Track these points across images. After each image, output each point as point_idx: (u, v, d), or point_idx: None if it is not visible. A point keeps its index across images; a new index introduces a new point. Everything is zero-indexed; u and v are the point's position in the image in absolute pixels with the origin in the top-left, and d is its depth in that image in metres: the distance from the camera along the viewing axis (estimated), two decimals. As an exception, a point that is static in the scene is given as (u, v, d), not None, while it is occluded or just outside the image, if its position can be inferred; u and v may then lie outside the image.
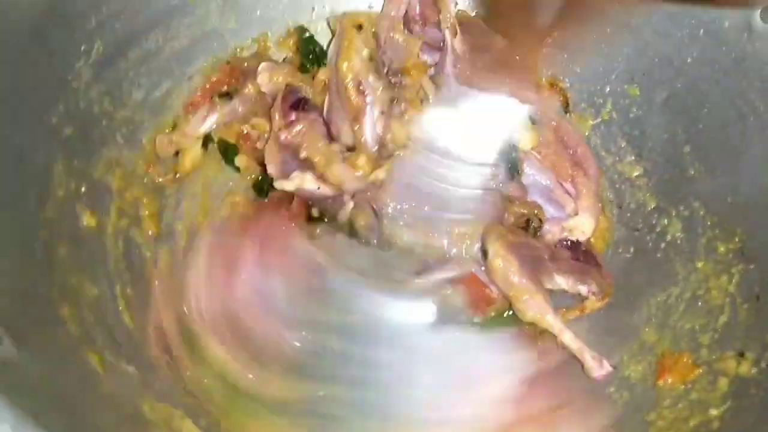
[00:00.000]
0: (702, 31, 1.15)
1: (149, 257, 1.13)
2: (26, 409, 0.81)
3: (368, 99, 1.08)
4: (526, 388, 1.04)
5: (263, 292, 1.08)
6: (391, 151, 1.09)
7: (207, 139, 1.21)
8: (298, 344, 1.06)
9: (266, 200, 1.19)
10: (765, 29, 1.09)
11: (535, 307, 1.07)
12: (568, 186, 1.17)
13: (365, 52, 1.09)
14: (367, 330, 1.07)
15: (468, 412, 1.02)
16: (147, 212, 1.15)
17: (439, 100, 1.15)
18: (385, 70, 1.13)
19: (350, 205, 1.09)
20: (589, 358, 1.07)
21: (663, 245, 1.17)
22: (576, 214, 1.17)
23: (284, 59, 1.25)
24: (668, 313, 1.12)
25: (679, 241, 1.15)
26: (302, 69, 1.20)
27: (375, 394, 1.03)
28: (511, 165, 1.15)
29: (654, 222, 1.19)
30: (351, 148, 1.11)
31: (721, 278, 1.09)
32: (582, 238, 1.16)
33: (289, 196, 1.14)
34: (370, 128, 1.08)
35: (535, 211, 1.15)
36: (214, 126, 1.20)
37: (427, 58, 1.20)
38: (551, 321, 1.08)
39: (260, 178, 1.17)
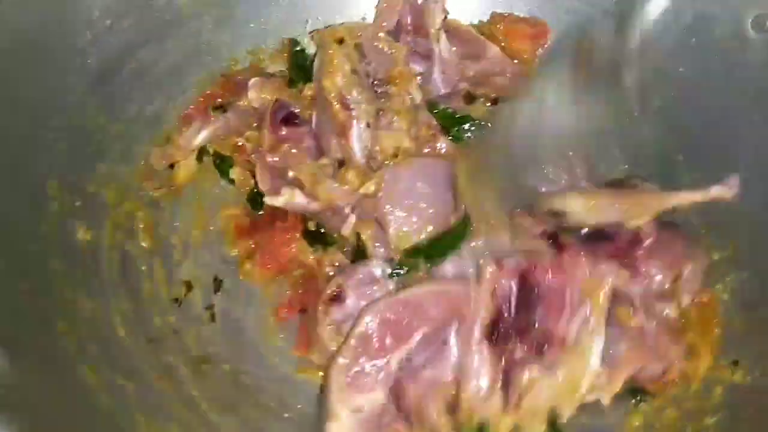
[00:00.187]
0: (694, 40, 1.15)
1: (144, 270, 1.13)
2: (21, 425, 0.82)
3: (353, 113, 1.08)
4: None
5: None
6: (380, 163, 1.09)
7: (202, 152, 1.21)
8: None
9: (261, 213, 1.19)
10: (756, 38, 1.10)
11: (649, 201, 1.06)
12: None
13: (347, 67, 1.08)
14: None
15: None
16: (142, 225, 1.15)
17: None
18: (371, 81, 1.13)
19: (352, 218, 1.09)
20: (716, 189, 1.05)
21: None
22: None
23: (278, 73, 1.25)
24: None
25: (673, 250, 1.15)
26: (291, 83, 1.20)
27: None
28: None
29: (648, 230, 1.18)
30: (342, 162, 1.11)
31: (716, 286, 1.09)
32: None
33: (285, 210, 1.14)
34: (357, 141, 1.08)
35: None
36: (209, 139, 1.20)
37: (417, 67, 1.20)
38: (669, 198, 1.07)
39: (255, 190, 1.17)
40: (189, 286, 1.15)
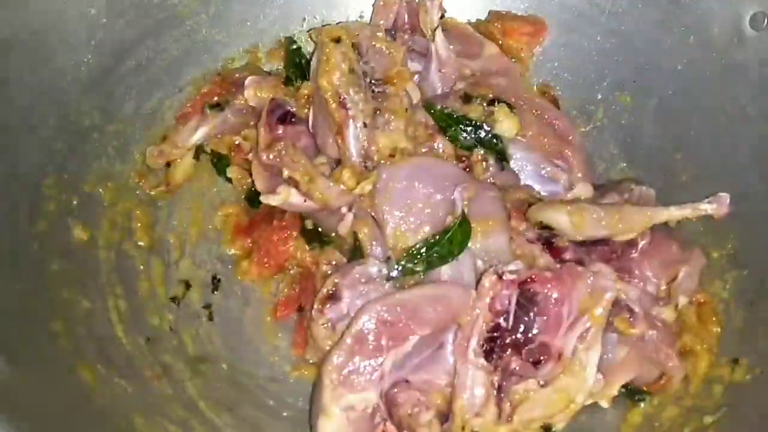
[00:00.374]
0: (692, 38, 1.15)
1: (142, 269, 1.12)
2: (19, 425, 0.81)
3: (350, 112, 1.07)
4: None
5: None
6: (377, 163, 1.09)
7: (199, 150, 1.20)
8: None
9: (259, 210, 1.19)
10: (754, 36, 1.10)
11: (638, 217, 1.05)
12: (558, 162, 1.15)
13: (344, 66, 1.07)
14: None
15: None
16: (139, 224, 1.15)
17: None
18: (368, 81, 1.12)
19: (350, 217, 1.08)
20: (705, 207, 1.05)
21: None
22: (572, 186, 1.14)
23: (275, 71, 1.25)
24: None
25: (672, 248, 1.15)
26: (288, 82, 1.20)
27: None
28: (499, 155, 1.14)
29: (647, 228, 1.18)
30: (338, 161, 1.11)
31: (715, 284, 1.09)
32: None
33: (282, 209, 1.13)
34: (353, 141, 1.08)
35: (532, 194, 1.13)
36: (205, 137, 1.19)
37: (414, 65, 1.20)
38: (657, 215, 1.05)
39: (252, 189, 1.17)
40: (187, 285, 1.15)
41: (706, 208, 1.05)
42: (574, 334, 0.98)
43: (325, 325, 1.03)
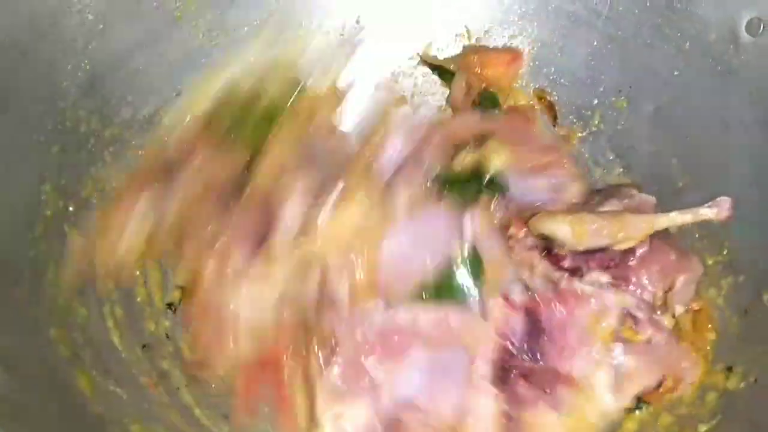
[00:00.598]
0: (688, 43, 1.15)
1: (138, 275, 1.12)
2: (13, 432, 0.82)
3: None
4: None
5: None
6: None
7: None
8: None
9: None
10: (751, 42, 1.10)
11: (639, 224, 1.04)
12: (549, 173, 1.14)
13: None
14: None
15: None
16: (135, 231, 1.14)
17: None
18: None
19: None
20: (706, 212, 1.04)
21: (652, 258, 1.17)
22: (566, 192, 1.12)
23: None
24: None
25: (668, 254, 1.15)
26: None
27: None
28: (500, 189, 1.10)
29: (643, 234, 1.18)
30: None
31: (710, 291, 1.09)
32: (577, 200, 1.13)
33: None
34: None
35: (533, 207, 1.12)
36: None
37: None
38: (659, 221, 1.05)
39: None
40: (183, 291, 1.15)
41: (707, 212, 1.05)
42: (583, 356, 0.97)
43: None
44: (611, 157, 1.24)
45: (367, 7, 1.27)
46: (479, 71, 1.24)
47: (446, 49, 1.30)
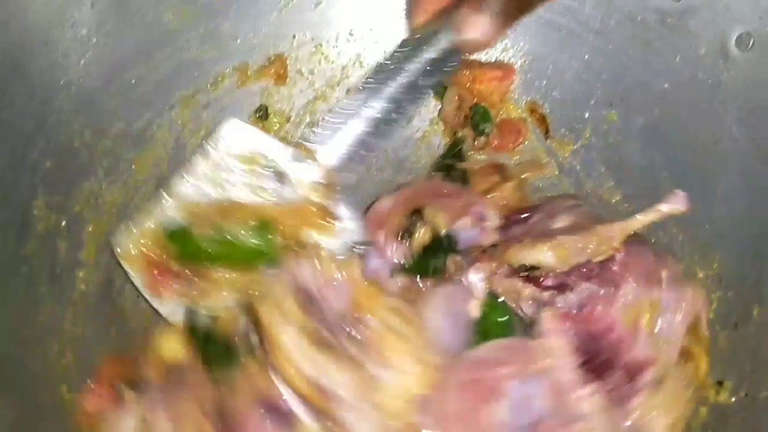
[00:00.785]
0: (678, 57, 1.16)
1: (128, 290, 1.12)
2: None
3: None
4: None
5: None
6: None
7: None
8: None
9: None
10: (740, 56, 1.10)
11: (613, 233, 1.05)
12: (473, 215, 1.15)
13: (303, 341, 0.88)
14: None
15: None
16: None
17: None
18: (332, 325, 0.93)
19: None
20: (665, 207, 1.06)
21: (643, 271, 1.17)
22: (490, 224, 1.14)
23: (265, 88, 1.25)
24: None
25: (658, 267, 1.16)
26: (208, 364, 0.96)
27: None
28: (454, 244, 1.11)
29: (634, 248, 1.19)
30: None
31: (700, 304, 1.10)
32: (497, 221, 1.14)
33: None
34: None
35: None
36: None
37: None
38: (629, 225, 1.06)
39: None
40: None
41: (666, 208, 1.06)
42: (642, 340, 0.99)
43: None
44: (602, 170, 1.24)
45: (361, 20, 1.28)
46: (471, 86, 1.25)
47: (438, 62, 1.30)
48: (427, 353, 0.94)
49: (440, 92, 1.29)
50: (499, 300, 1.06)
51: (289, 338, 0.87)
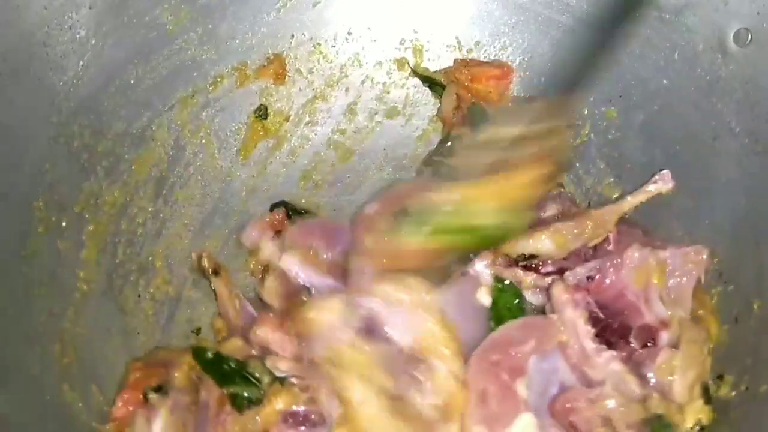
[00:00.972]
0: (677, 53, 1.16)
1: (129, 290, 1.13)
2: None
3: None
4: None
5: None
6: None
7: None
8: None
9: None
10: (738, 52, 1.10)
11: (606, 216, 1.08)
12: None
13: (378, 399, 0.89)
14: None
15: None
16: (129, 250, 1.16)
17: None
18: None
19: None
20: (653, 187, 1.10)
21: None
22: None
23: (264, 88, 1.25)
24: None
25: (659, 263, 1.16)
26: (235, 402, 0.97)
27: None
28: None
29: (634, 244, 1.19)
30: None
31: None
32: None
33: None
34: None
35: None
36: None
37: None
38: (621, 207, 1.10)
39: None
40: (175, 306, 1.15)
41: (654, 188, 1.11)
42: (654, 304, 1.01)
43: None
44: (602, 167, 1.24)
45: (359, 19, 1.28)
46: (469, 85, 1.25)
47: (437, 60, 1.30)
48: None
49: (439, 91, 1.29)
50: (506, 283, 1.06)
51: (370, 407, 0.89)
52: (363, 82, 1.31)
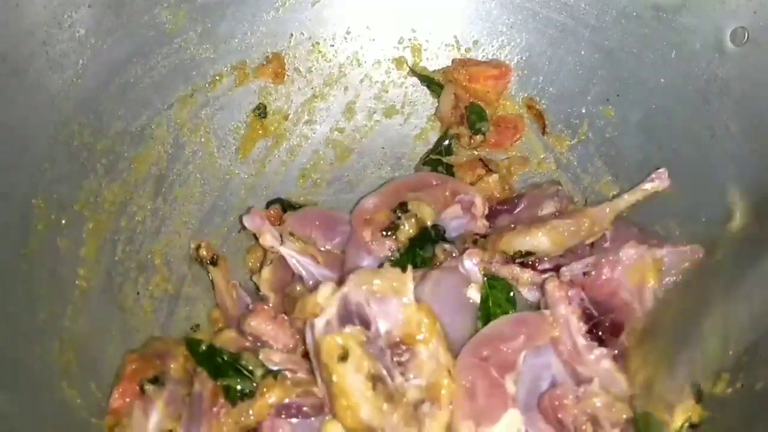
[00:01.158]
0: (674, 52, 1.16)
1: (129, 288, 1.13)
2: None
3: None
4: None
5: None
6: None
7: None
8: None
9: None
10: (735, 51, 1.11)
11: (603, 214, 1.10)
12: (462, 204, 1.17)
13: (368, 392, 0.88)
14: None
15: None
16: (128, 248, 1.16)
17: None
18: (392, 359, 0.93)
19: None
20: (650, 185, 1.12)
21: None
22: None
23: (263, 86, 1.26)
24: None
25: (656, 260, 1.16)
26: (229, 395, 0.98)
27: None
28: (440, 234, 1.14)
29: (631, 242, 1.19)
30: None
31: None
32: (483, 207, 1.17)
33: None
34: None
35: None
36: (160, 422, 1.00)
37: None
38: (617, 205, 1.11)
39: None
40: (174, 303, 1.16)
41: (651, 186, 1.12)
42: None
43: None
44: (599, 165, 1.25)
45: (358, 18, 1.28)
46: (467, 85, 1.26)
47: (436, 59, 1.31)
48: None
49: (437, 90, 1.30)
50: (497, 278, 1.07)
51: (357, 388, 0.89)
52: (362, 81, 1.31)
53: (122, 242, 1.16)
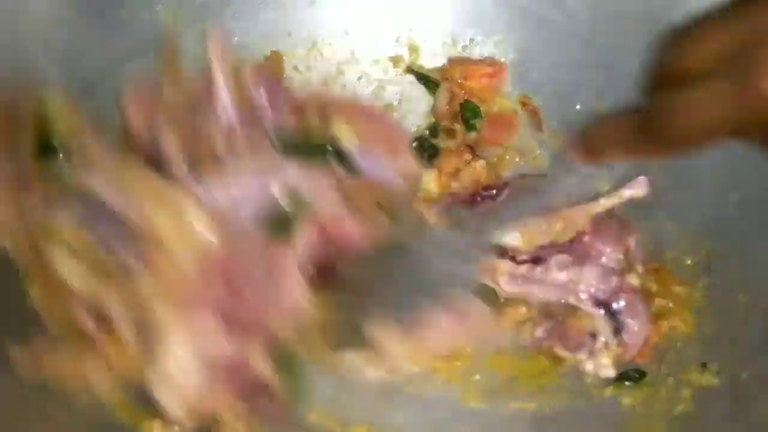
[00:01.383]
0: (671, 50, 1.16)
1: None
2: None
3: None
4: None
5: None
6: None
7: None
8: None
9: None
10: (729, 48, 1.11)
11: (577, 216, 1.12)
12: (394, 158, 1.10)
13: None
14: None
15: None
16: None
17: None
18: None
19: None
20: (628, 192, 1.13)
21: (632, 260, 1.18)
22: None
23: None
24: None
25: (648, 255, 1.17)
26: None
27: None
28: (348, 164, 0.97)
29: (623, 237, 1.20)
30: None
31: (687, 290, 1.11)
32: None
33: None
34: None
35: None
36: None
37: None
38: (593, 208, 1.13)
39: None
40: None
41: (629, 192, 1.13)
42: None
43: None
44: (593, 162, 1.25)
45: (355, 17, 1.30)
46: (462, 82, 1.27)
47: (432, 58, 1.32)
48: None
49: (433, 88, 1.31)
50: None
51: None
52: (359, 78, 1.32)
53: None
